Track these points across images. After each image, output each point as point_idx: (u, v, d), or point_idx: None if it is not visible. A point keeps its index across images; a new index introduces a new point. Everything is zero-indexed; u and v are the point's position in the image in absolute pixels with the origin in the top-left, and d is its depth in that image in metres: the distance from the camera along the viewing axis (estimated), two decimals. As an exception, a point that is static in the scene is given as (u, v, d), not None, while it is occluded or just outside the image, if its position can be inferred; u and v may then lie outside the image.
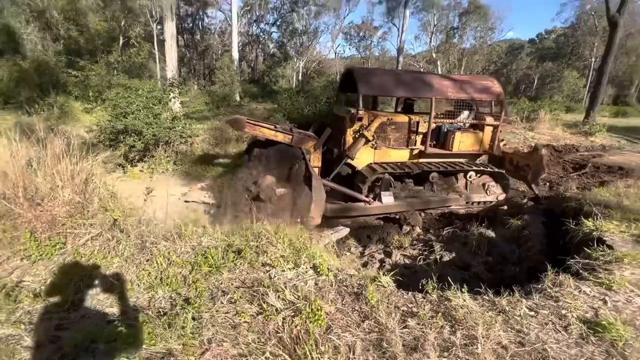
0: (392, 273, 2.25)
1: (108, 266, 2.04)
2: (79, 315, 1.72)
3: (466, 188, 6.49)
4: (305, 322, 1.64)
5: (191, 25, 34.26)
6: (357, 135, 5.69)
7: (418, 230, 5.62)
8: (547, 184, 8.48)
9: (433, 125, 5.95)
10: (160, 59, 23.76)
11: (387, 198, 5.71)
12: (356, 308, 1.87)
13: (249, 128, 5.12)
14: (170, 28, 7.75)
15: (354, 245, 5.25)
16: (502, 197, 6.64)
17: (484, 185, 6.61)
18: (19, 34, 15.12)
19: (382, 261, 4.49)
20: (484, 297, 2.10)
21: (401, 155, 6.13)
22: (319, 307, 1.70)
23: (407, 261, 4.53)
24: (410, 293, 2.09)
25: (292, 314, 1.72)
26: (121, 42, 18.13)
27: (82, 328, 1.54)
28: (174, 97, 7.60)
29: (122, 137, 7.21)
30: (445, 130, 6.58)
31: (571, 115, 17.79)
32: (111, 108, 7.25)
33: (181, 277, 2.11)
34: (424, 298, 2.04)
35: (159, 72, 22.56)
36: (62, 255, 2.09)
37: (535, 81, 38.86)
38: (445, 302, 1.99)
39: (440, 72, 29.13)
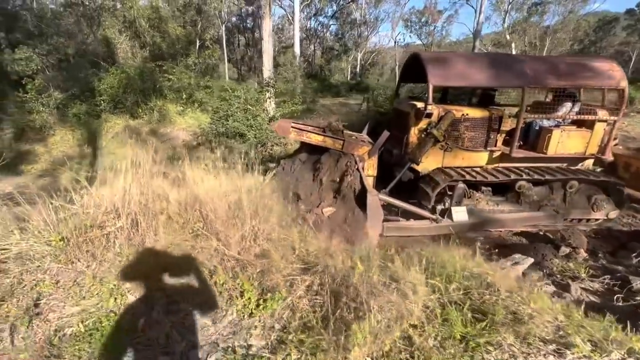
0: None
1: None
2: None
3: (564, 201, 5.10)
4: None
5: (252, 24, 35.17)
6: (423, 135, 4.74)
7: (583, 253, 4.49)
8: None
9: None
10: (229, 59, 24.76)
11: (460, 214, 4.63)
12: None
13: (294, 133, 4.54)
14: (268, 25, 7.52)
15: (504, 269, 4.31)
16: (613, 214, 5.13)
17: (589, 198, 5.13)
18: (114, 44, 16.62)
19: (557, 295, 3.55)
20: None
21: (478, 158, 5.02)
22: None
23: (592, 298, 3.53)
24: None
25: None
26: (197, 45, 19.01)
27: None
28: (269, 98, 7.39)
29: (222, 139, 7.18)
30: (537, 127, 5.23)
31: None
32: (212, 111, 7.28)
33: (435, 353, 1.54)
34: None
35: (227, 73, 23.48)
36: (284, 310, 1.66)
37: (633, 59, 32.75)
38: None
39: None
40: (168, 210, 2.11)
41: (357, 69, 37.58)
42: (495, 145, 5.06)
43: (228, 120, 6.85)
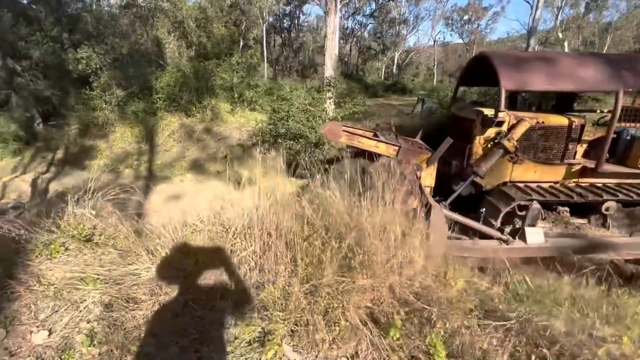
0: None
1: None
2: None
3: None
4: None
5: (289, 23, 35.40)
6: (490, 145, 4.18)
7: None
8: None
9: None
10: (267, 58, 24.98)
11: (535, 236, 3.99)
12: None
13: (345, 138, 4.12)
14: (333, 22, 7.19)
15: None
16: None
17: None
18: (163, 44, 17.16)
19: None
20: None
21: (553, 172, 4.36)
22: None
23: None
24: None
25: None
26: (241, 44, 19.21)
27: None
28: (330, 98, 7.04)
29: (280, 140, 6.93)
30: (629, 137, 4.51)
31: None
32: (272, 111, 7.06)
33: None
34: None
35: (266, 72, 23.63)
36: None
37: None
38: None
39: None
40: (305, 232, 1.76)
41: (394, 69, 36.67)
42: (574, 158, 4.38)
43: (288, 121, 6.57)
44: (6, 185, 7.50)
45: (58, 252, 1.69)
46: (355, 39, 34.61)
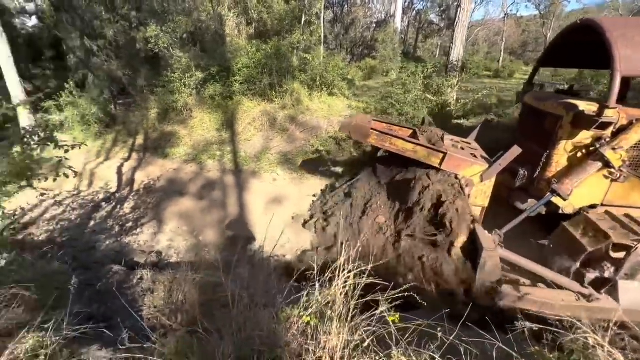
0: None
1: None
2: None
3: None
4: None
5: (342, -3, 33.15)
6: (580, 154, 3.02)
7: None
8: None
9: None
10: (325, 36, 23.45)
11: (633, 294, 2.74)
12: None
13: (374, 138, 3.25)
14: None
15: None
16: None
17: None
18: (224, 21, 16.42)
19: None
20: None
21: None
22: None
23: None
24: None
25: None
26: (303, 21, 17.93)
27: None
28: (455, 85, 5.70)
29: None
30: None
31: None
32: (379, 98, 5.92)
33: None
34: None
35: (322, 51, 22.22)
36: None
37: None
38: None
39: None
40: None
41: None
42: None
43: (404, 110, 5.39)
44: (93, 173, 7.29)
45: None
46: (414, 13, 31.61)
